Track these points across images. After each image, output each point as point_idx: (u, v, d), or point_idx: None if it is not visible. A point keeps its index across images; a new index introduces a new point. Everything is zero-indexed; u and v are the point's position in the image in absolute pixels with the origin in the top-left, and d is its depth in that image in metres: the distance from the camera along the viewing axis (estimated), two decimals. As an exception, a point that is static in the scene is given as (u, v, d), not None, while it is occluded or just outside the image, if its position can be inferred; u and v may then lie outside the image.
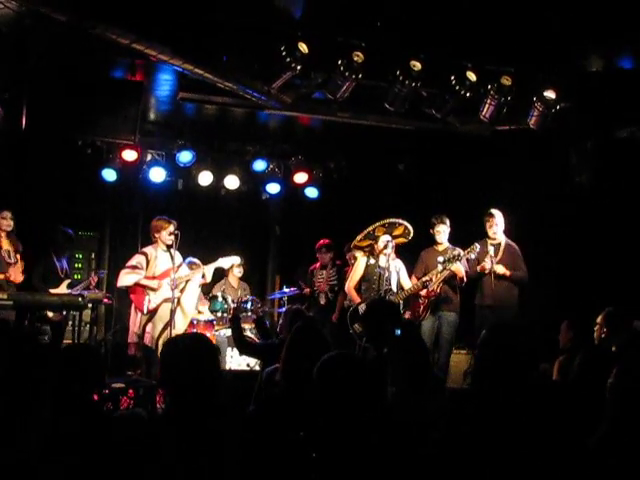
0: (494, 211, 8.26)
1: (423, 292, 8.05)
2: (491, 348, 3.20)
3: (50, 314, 8.27)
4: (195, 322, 8.89)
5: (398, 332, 4.74)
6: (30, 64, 7.54)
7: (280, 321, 7.77)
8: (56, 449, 3.03)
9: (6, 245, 8.08)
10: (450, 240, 8.36)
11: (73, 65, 7.74)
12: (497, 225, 8.21)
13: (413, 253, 8.54)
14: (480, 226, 8.35)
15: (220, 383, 3.08)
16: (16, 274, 8.11)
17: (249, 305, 9.23)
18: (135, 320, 8.31)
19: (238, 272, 10.20)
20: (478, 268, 8.03)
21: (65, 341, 8.88)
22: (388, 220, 8.14)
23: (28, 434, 3.10)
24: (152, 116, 9.68)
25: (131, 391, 6.77)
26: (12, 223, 8.16)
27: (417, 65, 7.04)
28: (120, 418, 3.08)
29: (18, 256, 8.18)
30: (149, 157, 10.19)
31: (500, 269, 7.97)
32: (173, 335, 7.57)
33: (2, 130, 7.97)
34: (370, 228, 8.17)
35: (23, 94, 7.79)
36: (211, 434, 2.86)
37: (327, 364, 3.29)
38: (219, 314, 9.27)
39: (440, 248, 8.33)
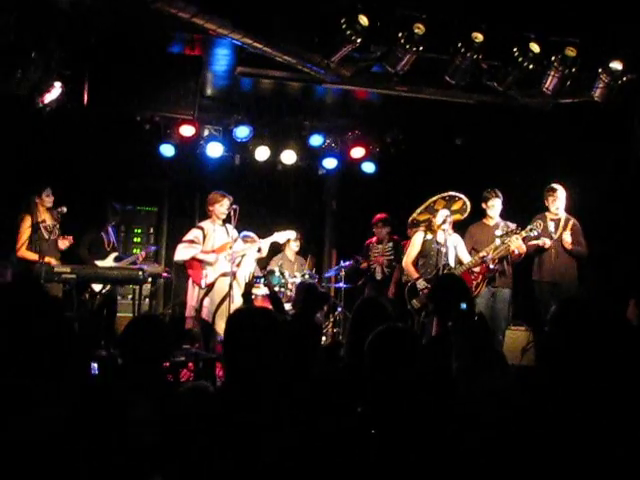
0: (556, 186, 8.10)
1: (477, 268, 7.94)
2: (564, 324, 3.11)
3: (97, 287, 8.36)
4: (253, 296, 8.92)
5: (464, 306, 4.67)
6: (91, 41, 7.58)
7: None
8: (126, 420, 3.04)
9: (48, 221, 8.17)
10: (504, 215, 8.23)
11: (133, 41, 7.76)
12: (559, 200, 8.06)
13: (460, 227, 8.41)
14: (536, 201, 8.20)
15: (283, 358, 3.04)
16: (62, 245, 8.28)
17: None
18: (193, 294, 8.36)
19: (295, 246, 10.23)
20: (539, 243, 7.89)
21: (120, 314, 9.01)
22: (449, 193, 8.06)
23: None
24: (209, 91, 9.66)
25: (191, 364, 6.83)
26: (52, 199, 8.22)
27: (479, 37, 6.90)
28: (187, 390, 3.07)
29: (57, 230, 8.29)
30: (206, 132, 10.21)
31: (567, 238, 7.83)
32: (236, 308, 7.61)
33: (64, 106, 8.01)
34: (430, 200, 8.09)
35: (84, 71, 7.83)
36: (270, 408, 2.83)
37: (377, 338, 3.24)
38: (276, 288, 9.28)
39: (491, 223, 8.22)
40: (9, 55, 6.62)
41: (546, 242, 7.89)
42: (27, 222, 7.87)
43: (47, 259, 7.78)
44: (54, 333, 3.18)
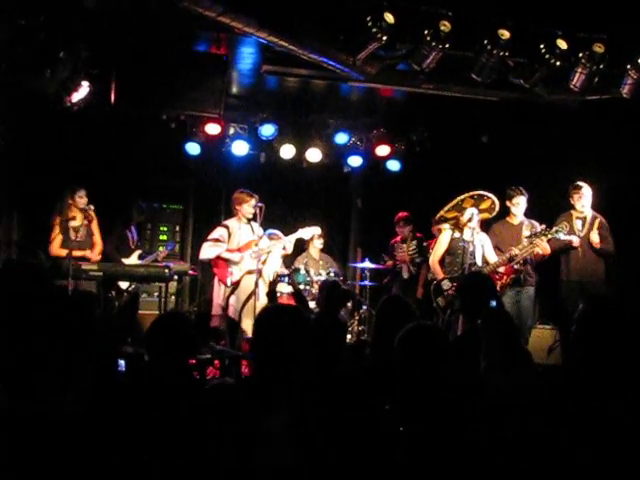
0: (581, 183, 8.04)
1: (502, 268, 7.90)
2: (590, 323, 3.10)
3: (124, 285, 8.42)
4: (279, 294, 8.93)
5: (493, 304, 4.66)
6: (118, 40, 7.63)
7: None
8: (151, 417, 3.06)
9: (76, 222, 8.23)
10: (529, 214, 8.19)
11: (159, 40, 7.80)
12: (584, 198, 8.00)
13: (484, 226, 8.37)
14: (563, 199, 8.14)
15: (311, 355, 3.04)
16: (96, 243, 8.38)
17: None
18: (218, 292, 8.40)
19: (319, 244, 10.22)
20: (566, 241, 7.83)
21: (146, 312, 9.07)
22: (477, 192, 8.01)
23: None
24: (235, 90, 9.68)
25: (217, 361, 6.85)
26: (86, 200, 8.30)
27: (505, 34, 6.86)
28: (213, 387, 3.09)
29: (94, 225, 8.38)
30: (232, 131, 10.22)
31: (595, 237, 7.78)
32: (266, 306, 7.65)
33: (92, 105, 8.08)
34: (458, 199, 8.05)
35: (111, 70, 7.89)
36: (296, 406, 2.84)
37: (408, 335, 3.24)
38: (302, 286, 9.28)
39: (515, 221, 8.17)
40: (38, 55, 6.68)
41: (573, 240, 7.83)
42: (58, 222, 7.97)
43: (85, 253, 8.08)
44: (82, 327, 3.21)
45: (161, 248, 10.07)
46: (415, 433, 2.98)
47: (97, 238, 8.44)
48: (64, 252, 7.86)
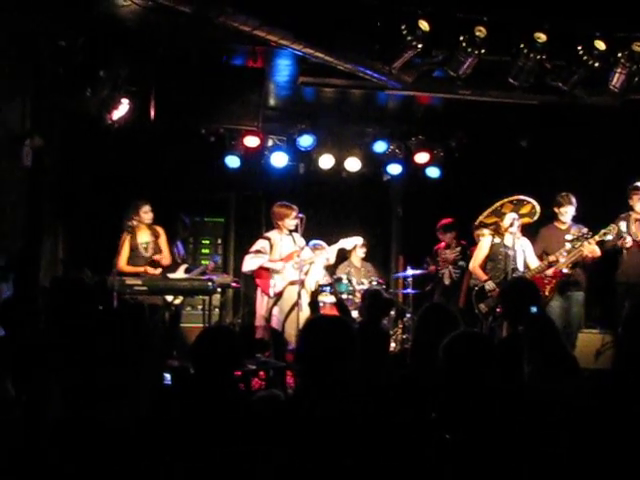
0: None
1: (549, 272, 7.81)
2: (634, 326, 3.06)
3: (169, 298, 8.49)
4: (321, 304, 8.93)
5: (534, 310, 4.61)
6: (156, 57, 7.73)
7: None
8: (198, 431, 3.08)
9: (144, 237, 8.33)
10: (579, 216, 8.09)
11: (196, 55, 7.88)
12: None
13: (530, 230, 8.29)
14: (614, 201, 8.03)
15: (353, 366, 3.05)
16: (164, 258, 8.45)
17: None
18: (262, 303, 8.42)
19: (361, 253, 10.22)
20: (618, 243, 7.71)
21: (190, 325, 9.14)
22: (517, 197, 7.94)
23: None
24: (272, 102, 9.73)
25: (262, 372, 6.89)
26: (152, 215, 8.39)
27: (542, 37, 6.81)
28: (260, 399, 3.11)
29: (162, 240, 8.46)
30: (270, 142, 10.27)
31: None
32: (314, 316, 7.68)
33: (132, 122, 8.19)
34: (498, 204, 7.99)
35: (150, 86, 7.98)
36: (342, 416, 2.84)
37: (453, 342, 3.23)
38: (344, 295, 9.28)
39: (563, 227, 8.07)
40: (79, 75, 6.80)
41: (626, 240, 7.70)
42: (126, 239, 8.08)
43: (146, 268, 8.19)
44: (135, 340, 3.26)
45: (204, 262, 10.15)
46: (461, 441, 2.97)
47: (166, 253, 8.50)
48: (130, 269, 8.04)
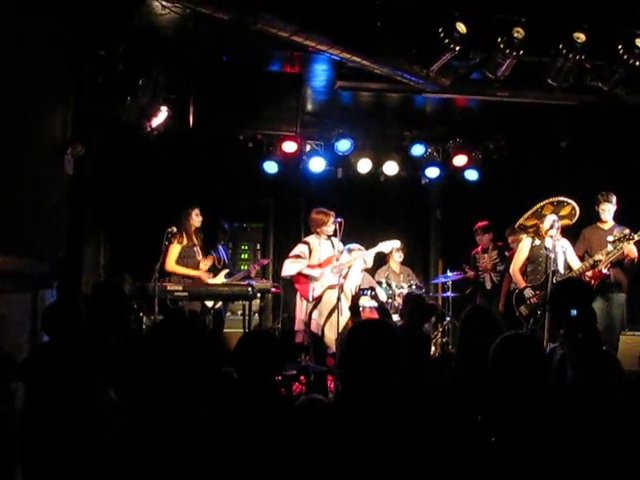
0: None
1: (589, 273, 7.71)
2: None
3: (209, 303, 8.53)
4: (361, 308, 8.90)
5: (574, 313, 4.54)
6: (194, 64, 7.78)
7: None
8: (241, 435, 3.08)
9: (197, 241, 8.45)
10: (616, 219, 7.98)
11: (234, 62, 7.92)
12: None
13: (572, 231, 8.19)
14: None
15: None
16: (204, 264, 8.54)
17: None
18: (301, 308, 8.43)
19: (398, 257, 10.20)
20: None
21: (230, 330, 9.17)
22: (557, 198, 7.85)
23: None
24: (310, 107, 9.74)
25: (303, 377, 6.88)
26: (201, 219, 8.49)
27: (581, 37, 6.72)
28: (304, 403, 3.10)
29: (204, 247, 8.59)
30: (308, 148, 10.33)
31: None
32: (342, 321, 7.70)
33: (171, 129, 8.26)
34: (538, 206, 7.91)
35: (189, 94, 8.03)
36: (389, 419, 2.82)
37: (504, 344, 3.20)
38: (383, 299, 9.25)
39: (605, 227, 7.97)
40: (119, 83, 6.87)
41: None
42: (176, 242, 8.17)
43: (200, 275, 8.29)
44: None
45: (244, 267, 10.19)
46: (510, 443, 2.94)
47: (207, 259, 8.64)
48: (183, 270, 8.15)
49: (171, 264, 8.06)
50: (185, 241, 8.25)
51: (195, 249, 8.40)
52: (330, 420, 2.86)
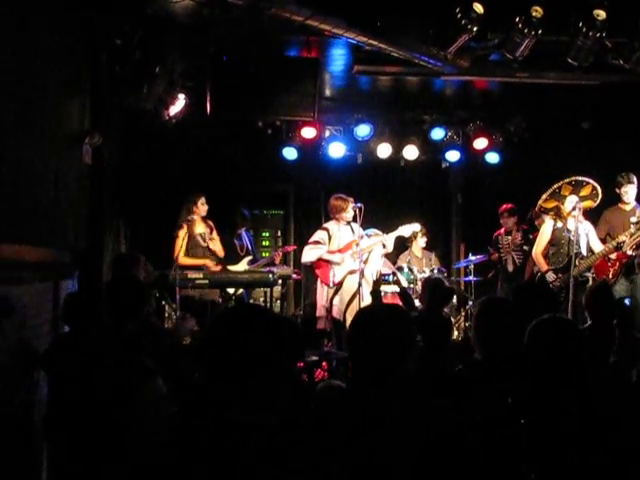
0: None
1: (613, 255, 7.64)
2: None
3: (231, 290, 8.54)
4: (383, 294, 8.89)
5: (627, 302, 4.54)
6: (210, 51, 7.76)
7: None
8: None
9: (201, 228, 8.46)
10: (638, 200, 7.91)
11: (250, 48, 7.90)
12: None
13: (591, 214, 8.11)
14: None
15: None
16: (218, 250, 8.60)
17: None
18: (322, 294, 8.44)
19: (422, 242, 10.18)
20: None
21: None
22: (575, 178, 7.79)
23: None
24: (328, 92, 9.70)
25: (325, 363, 6.88)
26: (207, 208, 8.52)
27: (601, 14, 6.59)
28: (322, 388, 3.09)
29: (214, 233, 8.62)
30: (327, 133, 10.27)
31: None
32: (362, 306, 7.65)
33: (189, 117, 8.26)
34: (556, 186, 7.86)
35: (206, 81, 8.02)
36: (401, 406, 2.79)
37: (542, 326, 3.16)
38: (405, 284, 9.23)
39: (627, 208, 7.89)
40: (135, 72, 6.87)
41: None
42: (184, 231, 8.22)
43: (206, 261, 8.35)
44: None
45: (265, 254, 10.19)
46: (539, 426, 2.92)
47: (219, 245, 8.68)
48: (190, 261, 8.19)
49: (180, 257, 8.08)
50: (189, 232, 8.27)
51: (198, 238, 8.43)
52: (344, 406, 2.84)
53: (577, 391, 3.03)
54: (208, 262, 8.41)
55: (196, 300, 7.90)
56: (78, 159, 6.28)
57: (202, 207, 8.45)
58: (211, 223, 8.62)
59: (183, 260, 8.10)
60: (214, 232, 8.64)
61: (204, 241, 8.45)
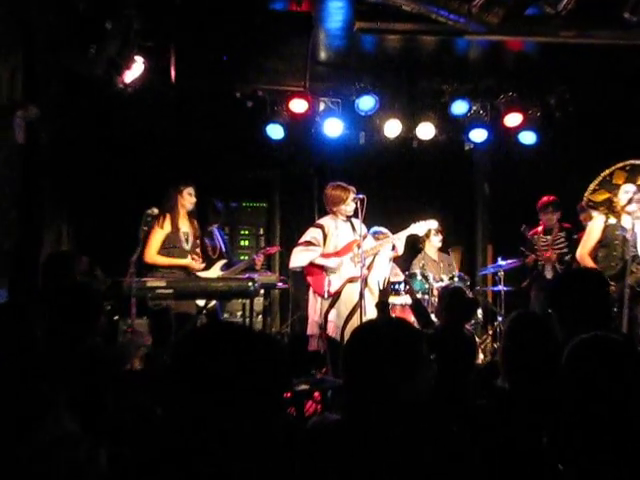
0: None
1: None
2: None
3: (201, 302, 8.47)
4: (390, 306, 8.85)
5: None
6: (176, 3, 7.73)
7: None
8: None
9: (185, 226, 8.37)
10: None
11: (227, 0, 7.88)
12: None
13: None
14: None
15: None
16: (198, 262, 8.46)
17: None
18: (315, 307, 8.38)
19: (437, 241, 10.18)
20: None
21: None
22: (631, 162, 7.76)
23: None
24: (323, 55, 9.71)
25: (317, 394, 6.85)
26: (195, 200, 8.43)
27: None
28: (313, 425, 3.03)
29: (198, 241, 8.51)
30: (322, 107, 10.27)
31: None
32: (362, 322, 7.58)
33: (148, 85, 8.21)
34: (605, 173, 7.84)
35: (170, 41, 7.99)
36: (402, 444, 2.74)
37: (584, 348, 3.11)
38: (419, 295, 9.19)
39: None
40: (79, 29, 6.82)
41: None
42: (158, 227, 8.13)
43: (190, 263, 8.27)
44: None
45: (244, 257, 10.14)
46: (584, 474, 2.87)
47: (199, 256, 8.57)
48: (167, 260, 8.12)
49: (151, 254, 8.01)
50: (169, 226, 8.18)
51: (181, 235, 8.31)
52: (337, 443, 2.80)
53: (633, 433, 2.97)
54: (192, 263, 8.32)
55: (170, 313, 7.80)
56: (7, 137, 6.22)
57: (188, 198, 8.34)
58: (197, 225, 8.51)
59: (155, 258, 8.05)
60: (198, 240, 8.53)
61: (186, 242, 8.32)
